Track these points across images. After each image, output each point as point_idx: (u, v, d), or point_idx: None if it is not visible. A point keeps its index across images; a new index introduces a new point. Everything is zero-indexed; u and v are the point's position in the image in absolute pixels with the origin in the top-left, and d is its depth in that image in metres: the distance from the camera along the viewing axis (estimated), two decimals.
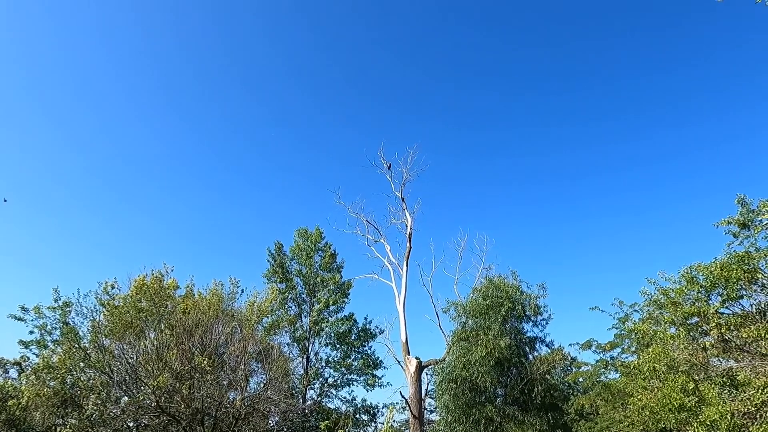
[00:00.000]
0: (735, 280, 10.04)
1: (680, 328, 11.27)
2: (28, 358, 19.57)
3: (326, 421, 15.36)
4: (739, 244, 11.47)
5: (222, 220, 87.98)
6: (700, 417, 9.64)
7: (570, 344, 32.33)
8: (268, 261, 27.51)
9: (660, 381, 11.82)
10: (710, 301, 11.02)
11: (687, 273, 11.07)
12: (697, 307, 10.72)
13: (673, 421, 11.11)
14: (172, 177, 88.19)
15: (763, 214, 8.76)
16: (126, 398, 16.25)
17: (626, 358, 21.17)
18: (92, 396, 15.67)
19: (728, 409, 9.26)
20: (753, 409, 9.41)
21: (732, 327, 10.07)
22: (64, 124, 75.99)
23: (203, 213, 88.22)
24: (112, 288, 19.91)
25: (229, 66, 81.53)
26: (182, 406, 15.02)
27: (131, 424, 17.95)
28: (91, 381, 16.60)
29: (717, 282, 10.32)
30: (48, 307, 20.02)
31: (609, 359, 23.15)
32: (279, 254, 27.60)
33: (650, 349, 11.98)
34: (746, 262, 10.18)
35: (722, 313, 10.73)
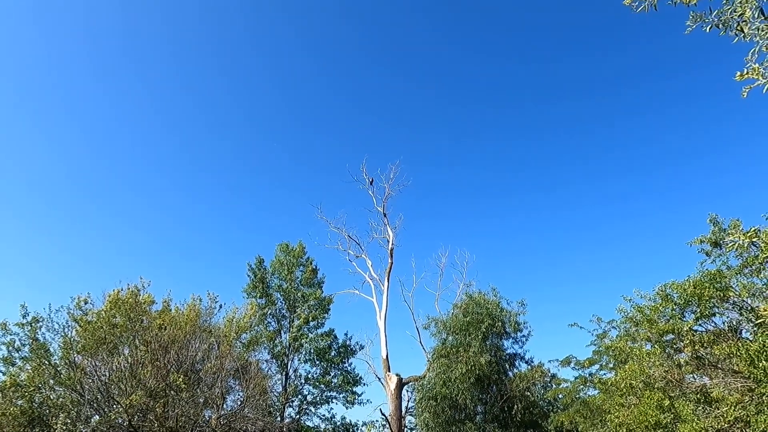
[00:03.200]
0: (707, 298, 10.25)
1: (656, 345, 11.42)
2: None
3: None
4: (711, 263, 11.74)
5: (200, 233, 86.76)
6: None
7: (549, 361, 32.51)
8: (248, 276, 27.23)
9: (636, 397, 11.93)
10: (684, 318, 11.21)
11: (661, 291, 11.26)
12: (672, 324, 10.89)
13: None
14: (149, 186, 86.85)
15: (733, 234, 9.00)
16: (97, 417, 15.78)
17: (604, 374, 21.29)
18: (62, 415, 15.18)
19: (702, 426, 9.38)
20: (726, 425, 9.54)
21: (705, 344, 10.25)
22: (37, 123, 74.50)
23: (181, 224, 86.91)
24: (85, 303, 19.41)
25: (212, 73, 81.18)
26: (156, 425, 14.65)
27: None
28: (61, 399, 16.09)
29: (690, 300, 10.51)
30: (16, 324, 19.39)
31: (588, 376, 23.27)
32: (259, 269, 27.34)
33: (627, 366, 12.10)
34: (718, 280, 10.41)
35: (696, 331, 10.92)
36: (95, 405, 15.45)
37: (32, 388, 15.71)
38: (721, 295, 10.38)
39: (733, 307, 10.87)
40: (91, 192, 76.31)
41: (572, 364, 24.43)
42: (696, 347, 10.33)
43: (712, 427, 9.62)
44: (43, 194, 72.42)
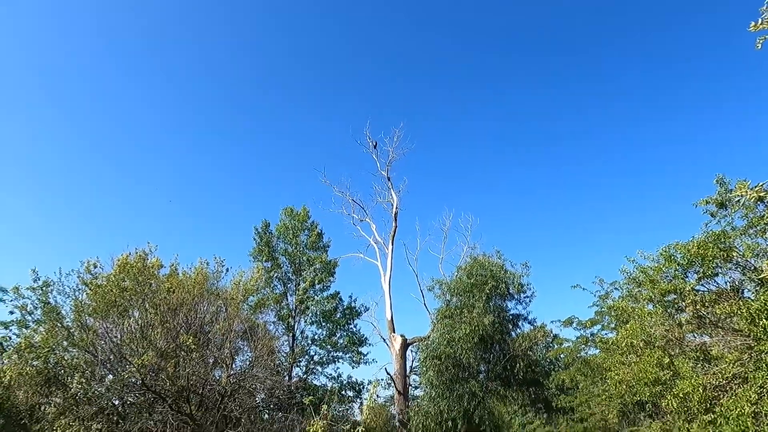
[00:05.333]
0: (711, 258, 10.28)
1: (657, 305, 11.53)
2: (9, 338, 19.36)
3: (311, 397, 15.55)
4: (716, 223, 11.72)
5: (207, 199, 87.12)
6: (674, 390, 9.95)
7: (552, 321, 33.02)
8: (254, 240, 27.43)
9: (637, 356, 12.14)
10: (687, 279, 11.28)
11: (665, 251, 11.28)
12: (674, 284, 10.97)
13: (648, 394, 11.47)
14: (157, 151, 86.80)
15: (740, 189, 8.94)
16: (111, 377, 16.26)
17: (606, 334, 21.66)
18: (76, 375, 15.64)
19: (700, 382, 9.58)
20: (724, 381, 9.74)
21: (707, 303, 10.34)
22: (43, 83, 73.97)
23: (188, 191, 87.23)
24: (95, 267, 19.70)
25: (217, 32, 79.72)
26: (168, 383, 15.07)
27: (116, 402, 18.01)
28: (75, 360, 16.53)
29: (694, 260, 10.55)
30: (27, 288, 19.75)
31: (589, 336, 23.70)
32: (265, 233, 27.51)
33: (628, 326, 12.28)
34: (722, 240, 10.41)
35: (698, 291, 11.01)
36: (108, 365, 15.88)
37: (47, 350, 16.13)
38: (725, 255, 10.41)
39: (736, 267, 10.91)
40: (95, 150, 76.25)
41: (574, 325, 24.86)
42: (697, 307, 10.43)
43: (710, 383, 9.82)
44: (48, 153, 72.45)
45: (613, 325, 20.52)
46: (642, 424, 15.65)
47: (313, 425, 7.25)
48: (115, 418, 17.14)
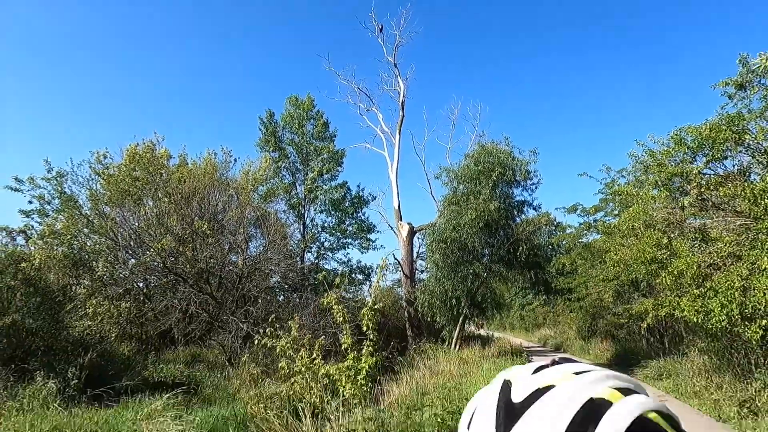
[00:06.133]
0: (722, 141, 10.12)
1: (662, 189, 11.60)
2: (32, 227, 20.22)
3: (324, 272, 16.44)
4: (732, 106, 11.37)
5: (210, 89, 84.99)
6: (668, 268, 10.37)
7: (556, 208, 33.62)
8: (260, 130, 27.26)
9: (637, 238, 12.48)
10: (695, 163, 11.22)
11: (676, 135, 11.07)
12: (681, 167, 10.94)
13: (644, 272, 11.96)
14: (159, 42, 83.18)
15: (762, 56, 8.56)
16: (133, 261, 17.18)
17: (609, 220, 22.07)
18: (101, 259, 16.55)
19: (695, 260, 9.94)
20: (719, 260, 10.10)
21: (711, 187, 10.39)
22: None
23: (191, 81, 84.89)
24: (105, 158, 19.96)
25: None
26: (187, 266, 15.95)
27: (141, 285, 19.22)
28: (97, 246, 17.40)
29: (704, 143, 10.38)
30: (42, 178, 20.19)
31: (592, 222, 24.21)
32: (270, 123, 27.23)
33: (631, 209, 12.47)
34: (736, 123, 10.17)
35: (704, 174, 11.00)
36: (130, 250, 16.71)
37: (69, 236, 16.91)
38: (737, 138, 10.23)
39: (746, 151, 10.79)
40: (91, 45, 73.30)
41: (578, 212, 25.29)
42: (702, 189, 10.50)
43: (704, 261, 10.20)
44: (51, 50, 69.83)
45: (616, 212, 20.85)
46: (635, 303, 16.55)
47: (327, 297, 7.77)
48: (141, 298, 18.44)
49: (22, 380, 9.72)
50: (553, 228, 26.09)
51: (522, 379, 0.54)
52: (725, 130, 10.19)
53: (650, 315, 13.56)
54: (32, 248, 16.74)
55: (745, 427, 8.09)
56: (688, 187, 11.20)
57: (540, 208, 19.53)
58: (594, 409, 0.48)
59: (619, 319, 19.96)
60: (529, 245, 18.05)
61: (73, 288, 15.31)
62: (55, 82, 73.56)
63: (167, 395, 8.77)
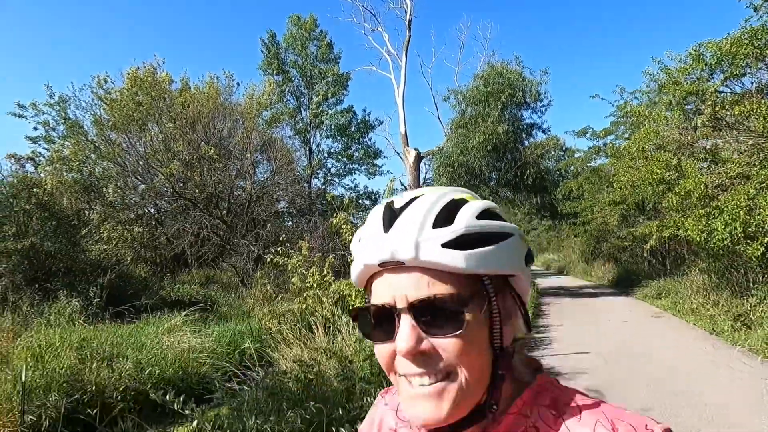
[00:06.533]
0: (742, 57, 9.72)
1: (676, 109, 11.33)
2: (40, 153, 20.26)
3: (332, 193, 16.59)
4: (758, 19, 10.78)
5: (206, 8, 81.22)
6: (675, 188, 10.35)
7: (566, 132, 33.03)
8: (262, 52, 26.38)
9: (646, 160, 12.34)
10: (712, 81, 10.86)
11: (695, 50, 10.61)
12: (697, 85, 10.61)
13: (651, 192, 11.94)
14: None
15: None
16: (142, 186, 17.38)
17: (619, 143, 21.71)
18: (110, 185, 16.75)
19: (703, 180, 9.90)
20: (727, 181, 10.06)
21: (727, 105, 10.10)
22: None
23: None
24: (105, 82, 19.58)
25: None
26: (196, 191, 16.14)
27: (152, 210, 19.56)
28: (106, 171, 17.53)
29: (723, 59, 9.98)
30: (45, 104, 19.95)
31: (602, 146, 23.81)
32: (272, 44, 26.29)
33: (642, 130, 12.25)
34: (759, 37, 9.69)
35: (721, 92, 10.68)
36: (139, 176, 16.86)
37: (77, 162, 17.00)
38: (758, 53, 9.80)
39: (767, 67, 10.40)
40: None
41: (588, 135, 24.82)
42: (716, 108, 10.23)
43: (712, 182, 10.16)
44: None
45: (627, 135, 20.46)
46: (640, 226, 16.67)
47: (336, 217, 7.92)
48: (153, 223, 18.83)
49: (46, 299, 10.20)
50: (562, 153, 25.83)
51: (400, 196, 0.69)
52: (747, 44, 9.75)
53: (654, 237, 13.75)
54: (42, 174, 16.90)
55: (737, 339, 8.45)
56: (703, 106, 10.92)
57: (549, 131, 19.26)
58: (455, 204, 0.65)
59: (622, 242, 20.22)
60: (537, 169, 17.98)
61: (87, 213, 15.59)
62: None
63: (185, 312, 9.22)
